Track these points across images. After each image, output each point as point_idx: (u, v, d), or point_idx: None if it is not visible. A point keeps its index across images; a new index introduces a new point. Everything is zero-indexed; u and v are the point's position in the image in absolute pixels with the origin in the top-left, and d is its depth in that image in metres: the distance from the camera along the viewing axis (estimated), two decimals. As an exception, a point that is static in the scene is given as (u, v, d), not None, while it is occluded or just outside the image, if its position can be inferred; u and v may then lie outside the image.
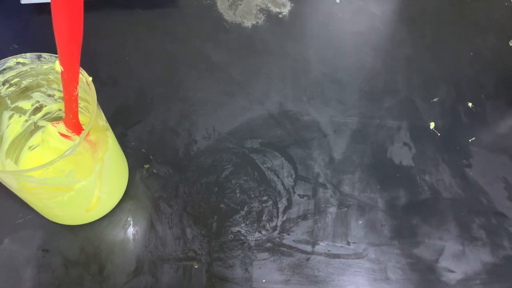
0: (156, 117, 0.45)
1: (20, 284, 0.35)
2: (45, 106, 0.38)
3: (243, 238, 0.39)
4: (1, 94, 0.34)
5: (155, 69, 0.49)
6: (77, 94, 0.30)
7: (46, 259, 0.37)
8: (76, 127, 0.34)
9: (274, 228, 0.39)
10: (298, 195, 0.41)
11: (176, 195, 0.40)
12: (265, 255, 0.38)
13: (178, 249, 0.38)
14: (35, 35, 0.50)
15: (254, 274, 0.37)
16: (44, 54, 0.32)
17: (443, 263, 0.39)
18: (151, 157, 0.42)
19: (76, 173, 0.31)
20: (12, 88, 0.34)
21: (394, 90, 0.49)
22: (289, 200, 0.41)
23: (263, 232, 0.39)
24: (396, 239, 0.39)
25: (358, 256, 0.38)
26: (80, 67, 0.29)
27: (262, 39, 0.52)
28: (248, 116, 0.46)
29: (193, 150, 0.43)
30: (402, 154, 0.45)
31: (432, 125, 0.47)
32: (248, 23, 0.54)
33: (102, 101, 0.33)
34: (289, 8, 0.56)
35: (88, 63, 0.33)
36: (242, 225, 0.39)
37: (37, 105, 0.37)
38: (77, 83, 0.30)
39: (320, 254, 0.38)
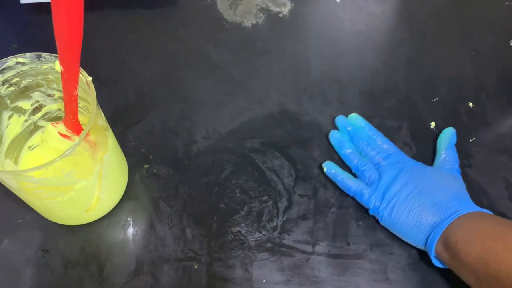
0: (156, 117, 0.45)
1: (20, 284, 0.35)
2: (45, 106, 0.38)
3: (243, 238, 0.39)
4: (1, 94, 0.34)
5: (155, 69, 0.49)
6: (77, 94, 0.30)
7: (46, 259, 0.37)
8: (76, 127, 0.34)
9: (274, 228, 0.39)
10: (299, 195, 0.41)
11: (176, 195, 0.40)
12: (265, 255, 0.38)
13: (178, 249, 0.37)
14: (34, 35, 0.50)
15: (254, 274, 0.37)
16: (44, 54, 0.32)
17: (444, 263, 0.39)
18: (151, 157, 0.42)
19: (76, 173, 0.31)
20: (11, 88, 0.34)
21: (394, 90, 0.49)
22: (289, 200, 0.41)
23: (263, 232, 0.39)
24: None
25: (358, 256, 0.38)
26: (80, 67, 0.29)
27: (262, 39, 0.52)
28: (248, 116, 0.46)
29: (193, 150, 0.43)
30: (402, 154, 0.44)
31: (432, 124, 0.46)
32: (248, 23, 0.54)
33: (102, 101, 0.33)
34: (289, 7, 0.56)
35: (88, 63, 0.33)
36: (242, 225, 0.39)
37: (36, 105, 0.37)
38: (77, 83, 0.30)
39: (320, 254, 0.38)
